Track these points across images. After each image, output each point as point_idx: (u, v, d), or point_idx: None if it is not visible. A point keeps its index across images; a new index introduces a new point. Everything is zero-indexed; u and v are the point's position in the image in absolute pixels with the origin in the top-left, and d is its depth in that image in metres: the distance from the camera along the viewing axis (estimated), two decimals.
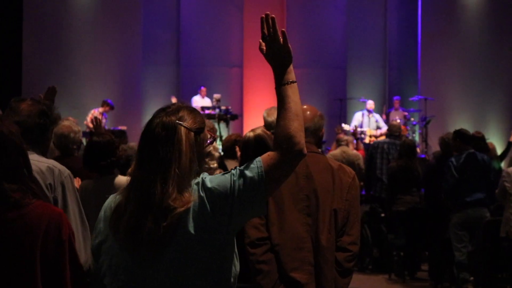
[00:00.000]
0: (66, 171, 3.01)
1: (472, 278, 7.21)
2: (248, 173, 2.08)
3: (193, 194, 2.05)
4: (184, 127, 2.07)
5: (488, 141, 8.57)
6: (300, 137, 2.13)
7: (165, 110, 2.12)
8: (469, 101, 14.89)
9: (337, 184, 3.25)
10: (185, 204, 2.01)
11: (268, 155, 2.13)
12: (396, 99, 14.51)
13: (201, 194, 2.06)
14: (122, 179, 3.99)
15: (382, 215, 8.43)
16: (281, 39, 2.18)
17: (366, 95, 14.82)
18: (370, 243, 8.39)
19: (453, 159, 7.21)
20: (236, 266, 2.15)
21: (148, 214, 2.01)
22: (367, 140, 13.03)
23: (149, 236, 2.00)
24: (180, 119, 2.08)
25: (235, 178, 2.08)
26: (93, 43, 14.06)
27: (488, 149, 8.11)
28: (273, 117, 4.73)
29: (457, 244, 7.13)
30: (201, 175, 2.12)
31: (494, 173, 7.36)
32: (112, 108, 12.84)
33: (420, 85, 15.34)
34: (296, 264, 3.15)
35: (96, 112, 12.70)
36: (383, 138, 10.63)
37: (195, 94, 14.52)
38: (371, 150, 9.14)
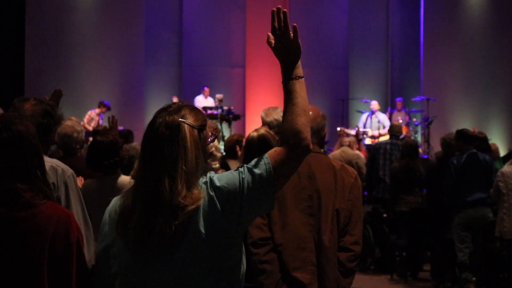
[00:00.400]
0: (69, 170, 3.03)
1: (474, 278, 7.20)
2: (256, 170, 2.08)
3: (202, 192, 2.03)
4: (188, 124, 2.06)
5: (490, 142, 8.55)
6: (307, 133, 2.13)
7: (166, 110, 2.11)
8: (471, 101, 14.88)
9: (339, 184, 3.25)
10: (195, 202, 2.00)
11: (275, 151, 2.12)
12: (398, 100, 14.50)
13: (211, 193, 2.05)
14: (125, 179, 3.99)
15: (384, 215, 8.43)
16: (292, 34, 2.17)
17: (368, 96, 14.82)
18: (372, 243, 8.38)
19: (454, 159, 7.20)
20: (244, 265, 2.14)
21: (158, 213, 1.98)
22: (369, 141, 13.01)
23: (160, 236, 1.98)
24: (183, 117, 2.07)
25: (243, 176, 2.07)
26: (95, 44, 14.07)
27: (490, 150, 8.10)
28: (271, 117, 4.75)
29: (459, 244, 7.12)
30: (208, 174, 2.10)
31: (496, 173, 7.35)
32: (108, 109, 12.67)
33: (422, 85, 15.33)
34: (299, 264, 3.15)
35: (92, 113, 12.69)
36: (383, 138, 10.61)
37: (197, 94, 14.52)
38: (373, 151, 9.12)
